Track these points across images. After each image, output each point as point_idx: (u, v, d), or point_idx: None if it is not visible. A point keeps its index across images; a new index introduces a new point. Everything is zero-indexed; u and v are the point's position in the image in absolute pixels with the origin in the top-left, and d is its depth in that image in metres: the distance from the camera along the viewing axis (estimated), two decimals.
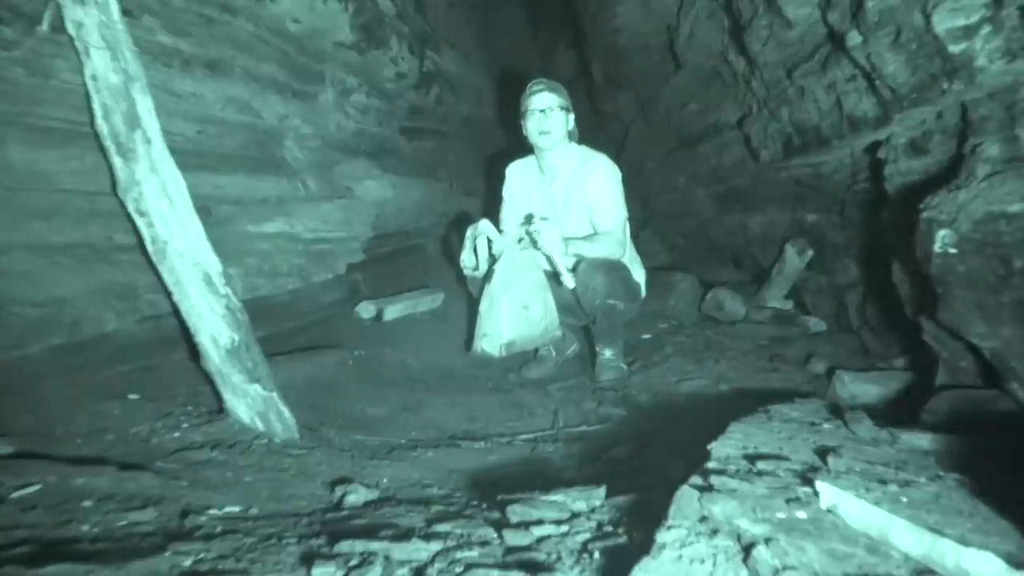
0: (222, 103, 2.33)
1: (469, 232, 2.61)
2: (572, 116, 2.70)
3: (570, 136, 2.73)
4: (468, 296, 3.11)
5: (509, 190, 2.92)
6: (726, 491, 1.00)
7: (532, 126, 2.63)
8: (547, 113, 2.59)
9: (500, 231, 2.67)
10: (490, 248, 2.58)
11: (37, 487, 1.20)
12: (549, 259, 2.53)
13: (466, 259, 2.61)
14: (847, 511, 0.93)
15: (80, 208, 1.85)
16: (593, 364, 2.81)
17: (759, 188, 3.70)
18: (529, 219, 2.60)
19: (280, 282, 2.51)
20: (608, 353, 2.77)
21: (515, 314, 2.51)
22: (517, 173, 2.90)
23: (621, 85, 5.18)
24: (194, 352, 1.80)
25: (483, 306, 2.53)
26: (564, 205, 2.75)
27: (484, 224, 2.56)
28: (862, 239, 2.84)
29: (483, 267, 2.58)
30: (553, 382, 2.75)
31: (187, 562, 0.97)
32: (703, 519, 0.91)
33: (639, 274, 2.85)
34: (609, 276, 2.58)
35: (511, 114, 3.04)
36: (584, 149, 2.77)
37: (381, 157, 3.47)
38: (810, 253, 3.36)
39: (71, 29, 1.63)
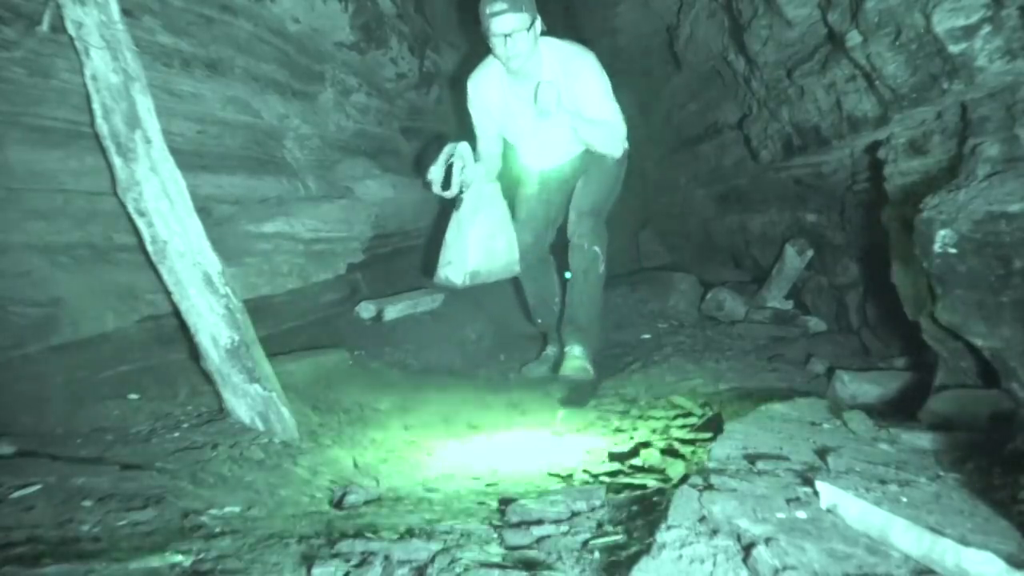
0: (222, 103, 2.33)
1: (447, 148, 2.50)
2: (538, 21, 2.39)
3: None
4: (469, 296, 3.13)
5: (479, 105, 2.62)
6: (726, 491, 1.00)
7: (499, 51, 2.38)
8: (513, 37, 2.31)
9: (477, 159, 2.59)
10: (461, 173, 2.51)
11: (37, 487, 1.20)
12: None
13: (434, 172, 2.47)
14: (847, 511, 0.93)
15: (80, 208, 1.85)
16: (559, 359, 2.72)
17: (759, 188, 3.70)
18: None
19: (280, 282, 2.51)
20: (576, 350, 2.65)
21: (481, 245, 2.50)
22: (484, 84, 2.59)
23: (621, 85, 5.17)
24: (194, 352, 1.80)
25: (449, 234, 2.52)
26: (544, 97, 2.46)
27: (463, 147, 2.49)
28: (862, 239, 2.83)
29: (453, 190, 2.50)
30: (554, 382, 2.74)
31: (187, 562, 0.97)
32: (703, 519, 0.91)
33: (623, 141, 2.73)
34: (597, 218, 2.67)
35: None
36: (558, 44, 2.49)
37: (381, 157, 3.47)
38: (810, 253, 3.35)
39: (71, 29, 1.63)
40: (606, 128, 2.56)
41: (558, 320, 2.90)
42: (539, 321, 3.06)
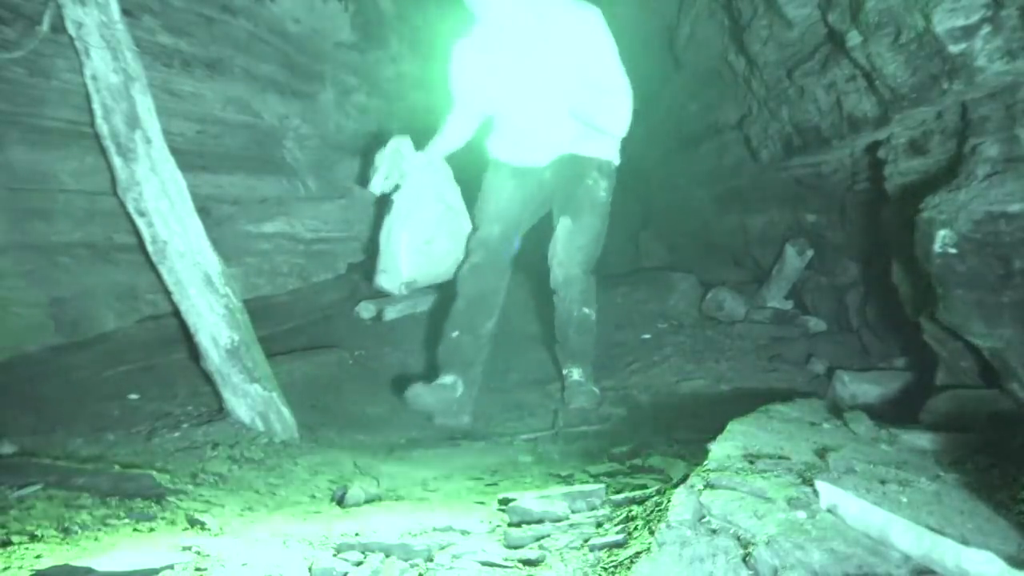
0: (222, 103, 2.33)
1: (390, 145, 2.31)
2: None
3: None
4: None
5: (458, 68, 2.31)
6: (726, 491, 0.99)
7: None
8: None
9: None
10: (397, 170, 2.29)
11: (37, 487, 1.20)
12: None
13: (373, 183, 2.32)
14: (847, 511, 0.93)
15: (80, 208, 1.85)
16: (561, 387, 2.44)
17: (759, 188, 3.70)
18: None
19: (280, 282, 2.51)
20: (576, 374, 2.42)
21: (415, 250, 2.26)
22: (465, 47, 2.30)
23: None
24: (194, 352, 1.80)
25: (382, 238, 2.30)
26: (532, 54, 2.14)
27: (399, 141, 2.28)
28: (862, 239, 2.83)
29: (375, 188, 2.31)
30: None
31: (187, 561, 0.97)
32: (703, 519, 0.91)
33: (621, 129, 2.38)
34: (587, 278, 2.36)
35: None
36: None
37: None
38: (810, 253, 3.35)
39: (71, 29, 1.63)
40: (611, 97, 2.21)
41: (472, 355, 2.29)
42: (454, 335, 2.28)
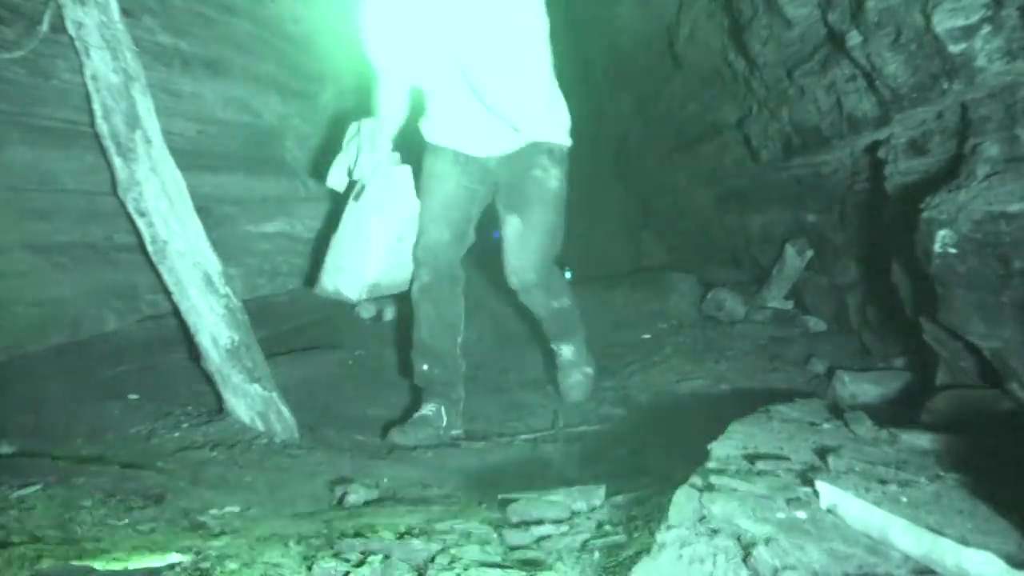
0: (222, 103, 2.33)
1: (350, 129, 2.03)
2: None
3: None
4: (470, 295, 3.09)
5: (367, 26, 1.85)
6: (726, 491, 1.00)
7: None
8: None
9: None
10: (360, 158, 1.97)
11: (37, 487, 1.20)
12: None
13: (335, 172, 2.02)
14: (847, 511, 0.93)
15: (80, 208, 1.85)
16: (555, 370, 2.36)
17: (759, 188, 3.70)
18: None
19: (280, 282, 2.52)
20: (567, 352, 2.29)
21: (387, 248, 1.95)
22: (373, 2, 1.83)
23: (621, 85, 5.18)
24: (194, 352, 1.80)
25: (343, 232, 1.96)
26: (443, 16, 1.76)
27: (368, 125, 1.99)
28: (862, 239, 2.83)
29: (333, 181, 2.01)
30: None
31: (187, 562, 0.97)
32: (703, 519, 0.91)
33: (563, 116, 2.09)
34: (548, 276, 2.10)
35: None
36: None
37: None
38: (810, 253, 3.35)
39: (71, 29, 1.63)
40: (523, 81, 1.81)
41: (448, 378, 2.11)
42: (424, 368, 2.10)
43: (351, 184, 2.03)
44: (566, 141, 2.11)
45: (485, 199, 2.14)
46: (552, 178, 2.04)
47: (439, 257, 2.02)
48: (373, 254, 1.92)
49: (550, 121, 2.06)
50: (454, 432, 2.09)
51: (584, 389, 2.25)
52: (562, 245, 2.15)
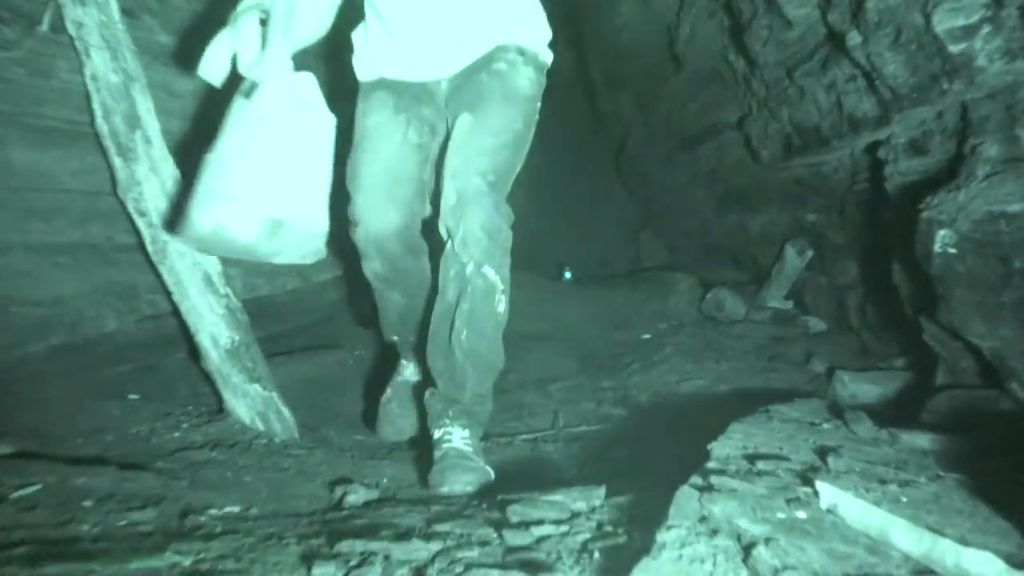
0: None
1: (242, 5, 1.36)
2: None
3: None
4: None
5: None
6: (726, 491, 1.00)
7: None
8: None
9: None
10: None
11: (37, 487, 1.20)
12: None
13: (207, 60, 1.34)
14: (847, 511, 0.93)
15: (80, 208, 1.85)
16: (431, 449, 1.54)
17: (759, 188, 3.70)
18: None
19: (280, 282, 2.51)
20: (456, 432, 1.51)
21: (300, 171, 1.33)
22: None
23: (621, 85, 5.18)
24: (194, 352, 1.80)
25: (228, 142, 1.28)
26: None
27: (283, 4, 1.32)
28: (862, 239, 2.83)
29: (205, 68, 1.35)
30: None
31: (187, 562, 0.97)
32: (703, 519, 0.91)
33: (541, 21, 1.63)
34: (496, 212, 1.44)
35: None
36: None
37: None
38: (810, 253, 3.36)
39: (71, 29, 1.63)
40: None
41: (421, 344, 1.63)
42: (395, 338, 1.81)
43: (236, 81, 1.35)
44: (544, 52, 1.63)
45: (437, 150, 1.60)
46: (521, 76, 1.54)
47: (390, 248, 1.53)
48: (279, 173, 1.28)
49: (523, 20, 1.60)
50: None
51: (474, 480, 1.45)
52: (513, 182, 1.56)
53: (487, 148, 1.47)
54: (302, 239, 1.39)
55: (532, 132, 1.58)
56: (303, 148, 1.34)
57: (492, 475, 1.51)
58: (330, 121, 1.39)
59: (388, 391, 1.86)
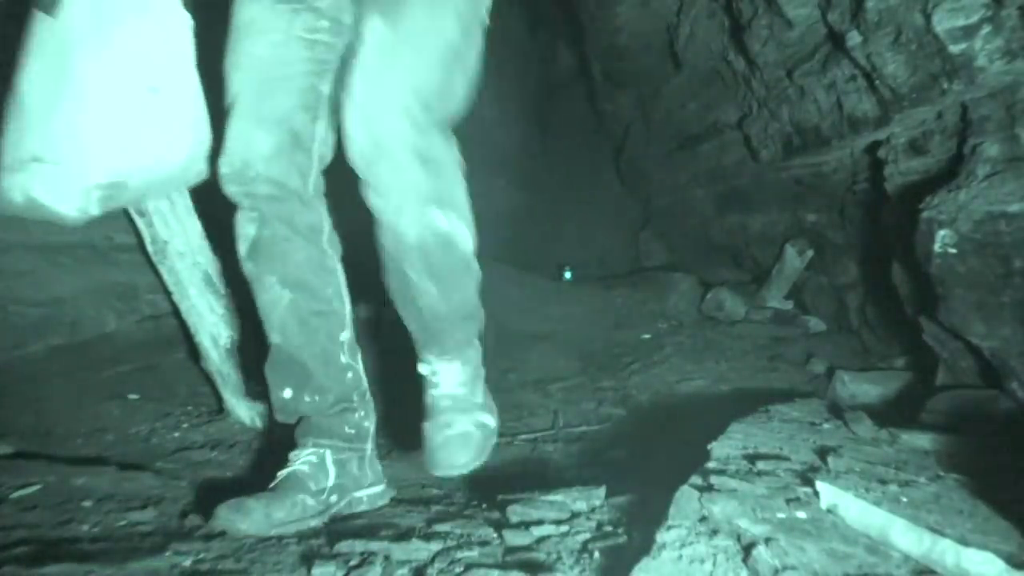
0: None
1: None
2: None
3: None
4: None
5: None
6: (726, 491, 1.00)
7: None
8: None
9: None
10: None
11: (37, 487, 1.20)
12: None
13: None
14: (847, 511, 0.93)
15: None
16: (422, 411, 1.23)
17: (759, 188, 3.70)
18: None
19: None
20: (446, 374, 1.23)
21: (130, 110, 1.01)
22: None
23: (621, 85, 5.18)
24: (194, 352, 1.80)
25: (29, 83, 0.96)
26: None
27: None
28: (862, 239, 2.83)
29: None
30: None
31: (187, 562, 0.97)
32: (703, 519, 0.91)
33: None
34: (431, 141, 1.06)
35: (511, 112, 3.01)
36: None
37: None
38: (810, 253, 3.36)
39: None
40: None
41: (338, 395, 1.22)
42: (285, 394, 1.20)
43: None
44: None
45: (342, 51, 1.16)
46: None
47: (258, 190, 1.09)
48: (107, 117, 0.97)
49: None
50: (358, 494, 1.26)
51: (465, 452, 1.16)
52: (465, 102, 1.16)
53: (407, 69, 1.03)
54: (162, 183, 1.09)
55: (476, 38, 1.15)
56: (143, 71, 0.99)
57: (494, 431, 1.22)
58: (183, 22, 1.06)
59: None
